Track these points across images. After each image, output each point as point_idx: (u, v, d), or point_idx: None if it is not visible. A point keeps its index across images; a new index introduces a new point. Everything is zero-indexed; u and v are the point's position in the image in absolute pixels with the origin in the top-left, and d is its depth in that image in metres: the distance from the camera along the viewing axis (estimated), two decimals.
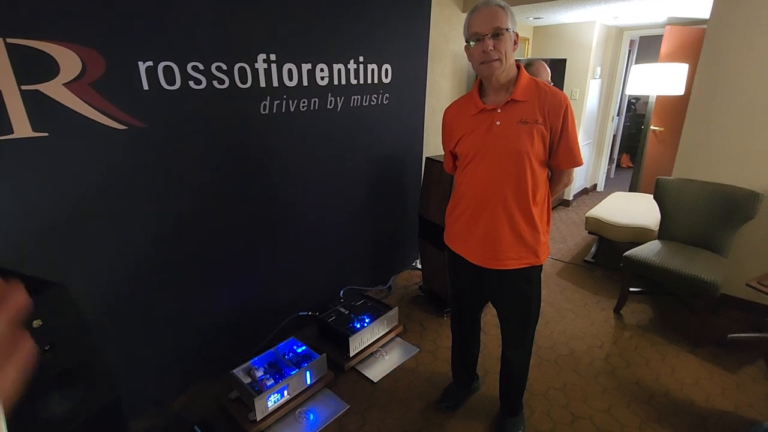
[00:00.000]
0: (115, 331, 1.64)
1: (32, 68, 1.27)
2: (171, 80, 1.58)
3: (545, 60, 3.93)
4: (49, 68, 1.30)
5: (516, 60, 1.38)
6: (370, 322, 2.21)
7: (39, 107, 1.30)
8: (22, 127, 1.28)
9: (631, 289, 2.60)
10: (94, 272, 1.54)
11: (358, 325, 2.19)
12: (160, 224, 1.69)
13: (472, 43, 1.30)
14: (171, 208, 1.71)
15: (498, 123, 1.35)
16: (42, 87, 1.29)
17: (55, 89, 1.32)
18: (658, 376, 2.06)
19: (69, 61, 1.33)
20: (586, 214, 3.31)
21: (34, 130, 1.31)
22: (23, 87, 1.26)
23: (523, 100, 1.33)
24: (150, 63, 1.51)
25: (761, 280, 2.04)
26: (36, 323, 0.96)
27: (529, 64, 2.73)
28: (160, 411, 1.85)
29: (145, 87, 1.52)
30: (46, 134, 1.33)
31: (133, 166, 1.56)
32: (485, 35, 1.26)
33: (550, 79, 2.94)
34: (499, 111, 1.35)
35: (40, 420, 0.99)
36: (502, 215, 1.39)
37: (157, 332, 1.79)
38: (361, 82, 2.30)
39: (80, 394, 1.08)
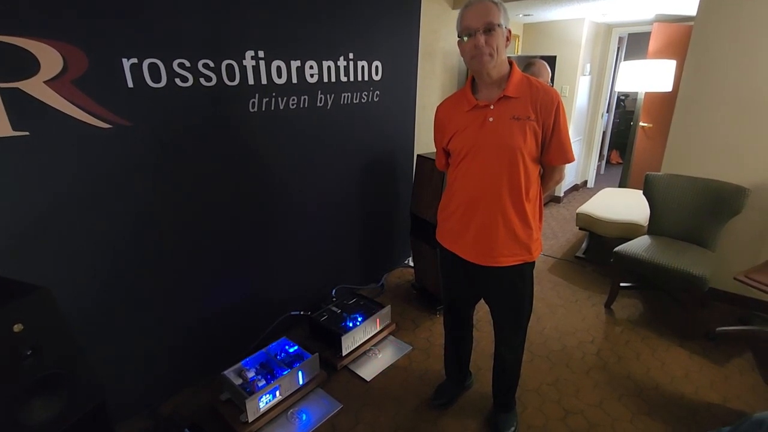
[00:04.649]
0: (102, 334, 1.61)
1: (11, 65, 1.23)
2: (156, 78, 1.54)
3: (536, 57, 3.94)
4: (28, 65, 1.26)
5: (508, 57, 1.37)
6: (362, 320, 2.20)
7: (19, 105, 1.26)
8: (1, 126, 1.24)
9: (621, 284, 2.62)
10: (79, 274, 1.51)
11: (351, 324, 2.17)
12: (147, 225, 1.66)
13: (464, 39, 1.29)
14: (158, 209, 1.68)
15: (491, 119, 1.34)
16: (22, 84, 1.26)
17: (35, 87, 1.28)
18: (648, 370, 2.08)
19: (49, 58, 1.29)
20: (577, 211, 3.33)
21: (14, 129, 1.27)
22: (2, 85, 1.22)
23: (516, 97, 1.33)
24: (134, 60, 1.47)
25: (748, 273, 2.07)
26: (17, 328, 0.93)
27: (531, 64, 2.72)
28: (150, 414, 1.82)
29: (130, 85, 1.48)
30: (27, 133, 1.30)
31: (118, 166, 1.53)
32: (477, 30, 1.25)
33: (549, 79, 2.94)
34: (491, 107, 1.34)
35: (22, 427, 0.96)
36: (495, 212, 1.38)
37: (146, 334, 1.76)
38: (351, 79, 2.28)
39: (64, 400, 1.05)
